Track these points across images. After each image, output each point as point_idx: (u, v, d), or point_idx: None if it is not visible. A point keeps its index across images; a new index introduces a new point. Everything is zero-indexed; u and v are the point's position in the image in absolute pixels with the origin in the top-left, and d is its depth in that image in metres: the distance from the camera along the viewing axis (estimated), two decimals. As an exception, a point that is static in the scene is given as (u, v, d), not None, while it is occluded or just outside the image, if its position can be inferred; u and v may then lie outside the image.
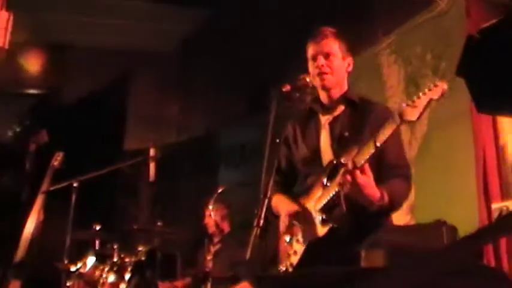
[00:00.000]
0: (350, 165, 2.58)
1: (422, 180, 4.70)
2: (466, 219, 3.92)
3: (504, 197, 3.83)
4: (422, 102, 2.42)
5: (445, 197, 4.44)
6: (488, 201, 3.84)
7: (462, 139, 4.32)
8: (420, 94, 2.44)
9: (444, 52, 4.62)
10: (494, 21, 2.43)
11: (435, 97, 2.41)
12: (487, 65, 2.05)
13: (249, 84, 8.11)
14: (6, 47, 4.20)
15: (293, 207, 2.96)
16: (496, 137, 3.96)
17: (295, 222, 2.90)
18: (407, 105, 2.46)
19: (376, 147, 2.52)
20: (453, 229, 3.68)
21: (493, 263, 3.61)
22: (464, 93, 3.58)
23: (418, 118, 2.45)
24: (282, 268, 2.86)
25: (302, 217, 2.88)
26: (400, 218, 4.69)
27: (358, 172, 2.56)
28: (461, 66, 2.13)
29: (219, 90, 9.00)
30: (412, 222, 4.67)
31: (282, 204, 3.05)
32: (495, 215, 3.71)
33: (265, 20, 7.82)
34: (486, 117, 3.97)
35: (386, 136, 2.51)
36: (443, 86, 2.41)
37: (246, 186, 6.92)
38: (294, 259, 2.83)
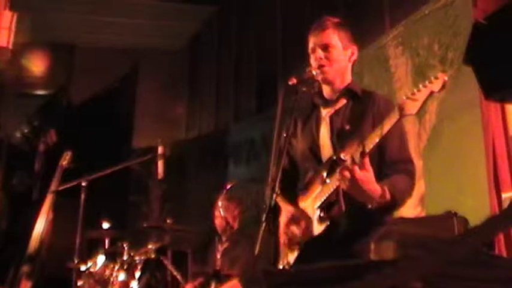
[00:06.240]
0: (349, 162, 2.49)
1: (432, 172, 4.68)
2: (477, 210, 3.88)
3: (515, 186, 3.79)
4: (423, 95, 2.33)
5: (455, 189, 4.40)
6: (498, 191, 3.80)
7: (471, 130, 4.28)
8: (420, 86, 2.35)
9: (451, 42, 4.58)
10: (500, 7, 2.38)
11: (436, 89, 2.31)
12: (494, 51, 2.01)
13: (257, 80, 8.11)
14: (11, 46, 4.21)
15: (288, 211, 2.86)
16: (505, 127, 3.92)
17: (292, 227, 2.81)
18: (407, 98, 2.36)
19: (379, 139, 2.44)
20: (464, 220, 3.65)
21: (504, 253, 3.58)
22: (472, 83, 3.56)
23: (418, 111, 2.37)
24: (280, 267, 2.78)
25: (299, 219, 2.80)
26: (410, 210, 4.67)
27: (356, 168, 2.46)
28: (468, 54, 2.08)
29: (227, 87, 9.00)
30: (423, 215, 4.63)
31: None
32: (506, 204, 3.67)
33: (272, 15, 7.81)
34: (495, 107, 3.94)
35: (386, 131, 2.42)
36: (444, 77, 2.30)
37: (256, 181, 6.92)
38: (291, 258, 2.77)
